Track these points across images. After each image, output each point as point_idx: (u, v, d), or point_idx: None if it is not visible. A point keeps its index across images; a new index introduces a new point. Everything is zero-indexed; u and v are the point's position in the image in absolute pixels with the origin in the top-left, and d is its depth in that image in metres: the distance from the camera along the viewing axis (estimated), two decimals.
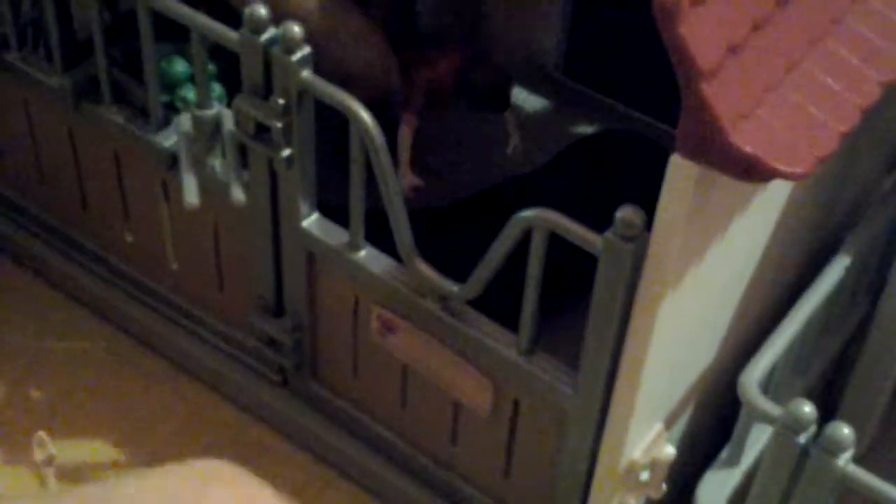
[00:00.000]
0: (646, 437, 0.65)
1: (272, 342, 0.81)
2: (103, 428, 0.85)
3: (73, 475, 0.82)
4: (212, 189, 0.75)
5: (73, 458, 0.83)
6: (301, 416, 0.84)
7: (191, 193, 0.74)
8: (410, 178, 0.88)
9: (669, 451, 0.66)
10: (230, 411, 0.87)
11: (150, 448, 0.84)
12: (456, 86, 0.89)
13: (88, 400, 0.87)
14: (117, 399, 0.87)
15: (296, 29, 0.65)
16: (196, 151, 0.74)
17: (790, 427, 0.58)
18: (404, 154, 0.88)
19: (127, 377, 0.89)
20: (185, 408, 0.87)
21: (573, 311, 0.71)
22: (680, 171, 0.50)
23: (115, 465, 0.84)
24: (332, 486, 0.83)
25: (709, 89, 0.46)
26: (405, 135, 0.88)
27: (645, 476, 0.66)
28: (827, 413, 0.80)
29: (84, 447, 0.84)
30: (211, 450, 0.84)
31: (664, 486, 0.67)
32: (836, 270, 0.71)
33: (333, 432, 0.83)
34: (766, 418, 0.62)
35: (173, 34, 0.75)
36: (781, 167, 0.48)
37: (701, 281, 0.59)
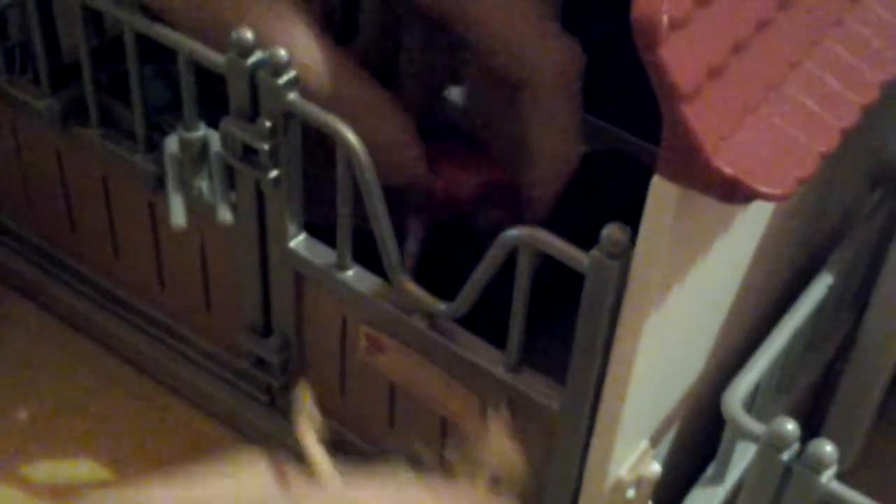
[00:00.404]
0: (631, 455, 0.66)
1: (260, 362, 0.82)
2: (90, 448, 0.85)
3: (59, 495, 0.82)
4: (199, 210, 0.75)
5: (58, 479, 0.83)
6: (288, 435, 0.84)
7: (178, 215, 0.74)
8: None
9: (655, 468, 0.66)
10: (218, 431, 0.87)
11: (137, 468, 0.84)
12: (473, 203, 0.78)
13: (74, 420, 0.87)
14: (104, 420, 0.87)
15: (282, 52, 0.66)
16: (183, 173, 0.74)
17: (773, 445, 0.58)
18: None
19: (114, 398, 0.89)
20: (172, 428, 0.87)
21: (559, 327, 0.71)
22: (662, 192, 0.51)
23: (101, 485, 0.83)
24: None
25: (689, 111, 0.47)
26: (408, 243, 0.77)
27: (631, 493, 0.66)
28: (812, 431, 0.80)
29: (70, 467, 0.84)
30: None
31: None
32: (819, 288, 0.72)
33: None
34: (750, 436, 0.62)
35: (161, 56, 0.75)
36: (762, 188, 0.48)
37: (685, 300, 0.59)
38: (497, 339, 0.70)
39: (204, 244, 0.79)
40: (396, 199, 0.71)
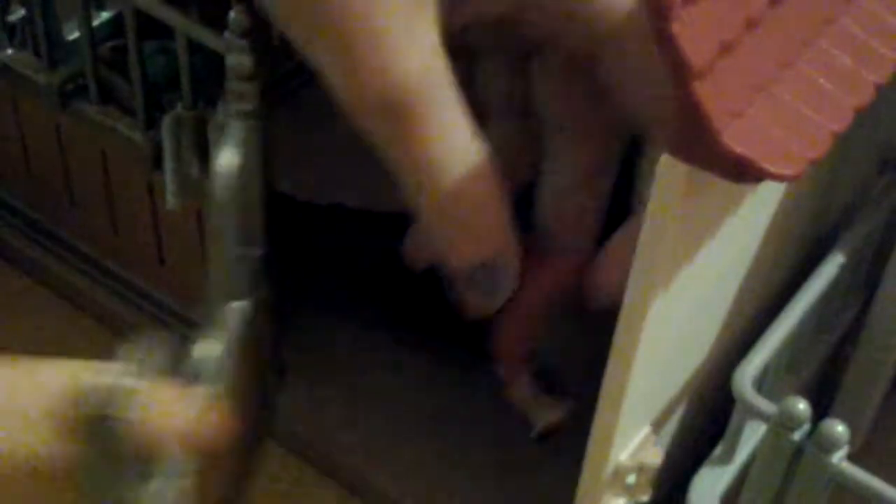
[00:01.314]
0: (633, 441, 0.65)
1: None
2: None
3: None
4: (195, 189, 0.74)
5: None
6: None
7: (171, 194, 0.73)
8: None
9: (657, 454, 0.65)
10: None
11: None
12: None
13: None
14: None
15: None
16: (180, 152, 0.73)
17: (784, 425, 0.58)
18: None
19: None
20: None
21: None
22: (670, 171, 0.50)
23: None
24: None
25: (700, 88, 0.46)
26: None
27: (632, 480, 0.65)
28: (821, 411, 0.79)
29: None
30: None
31: (651, 490, 0.66)
32: (830, 268, 0.71)
33: None
34: (761, 416, 0.61)
35: (165, 33, 0.74)
36: (772, 168, 0.47)
37: (692, 281, 0.58)
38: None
39: (202, 222, 0.79)
40: None
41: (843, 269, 0.72)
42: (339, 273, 0.92)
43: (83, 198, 0.86)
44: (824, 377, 0.83)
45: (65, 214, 0.88)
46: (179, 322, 0.86)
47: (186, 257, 0.82)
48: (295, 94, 0.99)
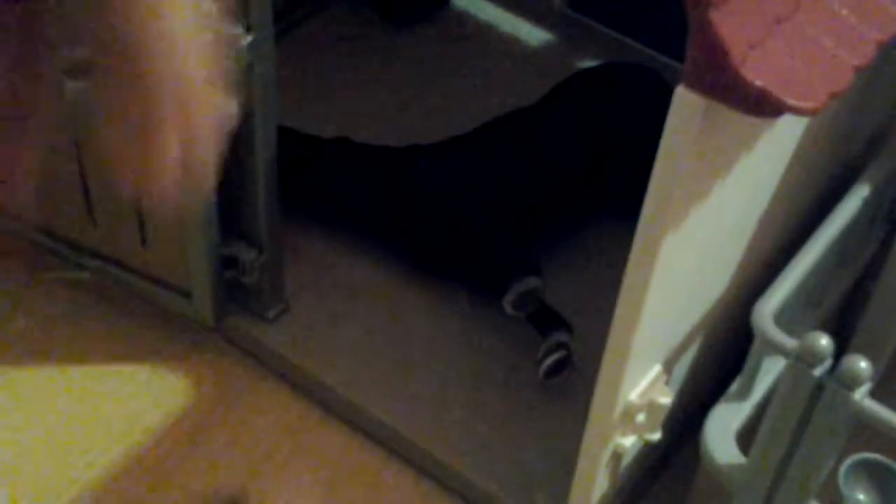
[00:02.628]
0: (643, 380, 0.65)
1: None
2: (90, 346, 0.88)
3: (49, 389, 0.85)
4: None
5: (55, 377, 0.86)
6: None
7: None
8: None
9: (667, 393, 0.65)
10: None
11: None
12: None
13: (79, 326, 0.89)
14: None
15: None
16: None
17: (805, 360, 0.57)
18: None
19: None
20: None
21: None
22: (685, 104, 0.49)
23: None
24: None
25: (718, 16, 0.45)
26: None
27: (641, 418, 0.65)
28: (838, 348, 0.79)
29: (73, 364, 0.87)
30: None
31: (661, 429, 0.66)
32: (853, 201, 0.70)
33: None
34: (781, 351, 0.61)
35: None
36: (793, 102, 0.46)
37: (707, 219, 0.58)
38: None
39: None
40: None
41: (867, 202, 0.71)
42: (345, 207, 0.91)
43: None
44: (842, 313, 0.82)
45: None
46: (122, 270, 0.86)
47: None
48: (300, 25, 0.98)
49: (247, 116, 0.74)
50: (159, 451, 0.82)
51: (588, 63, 0.97)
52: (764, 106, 0.46)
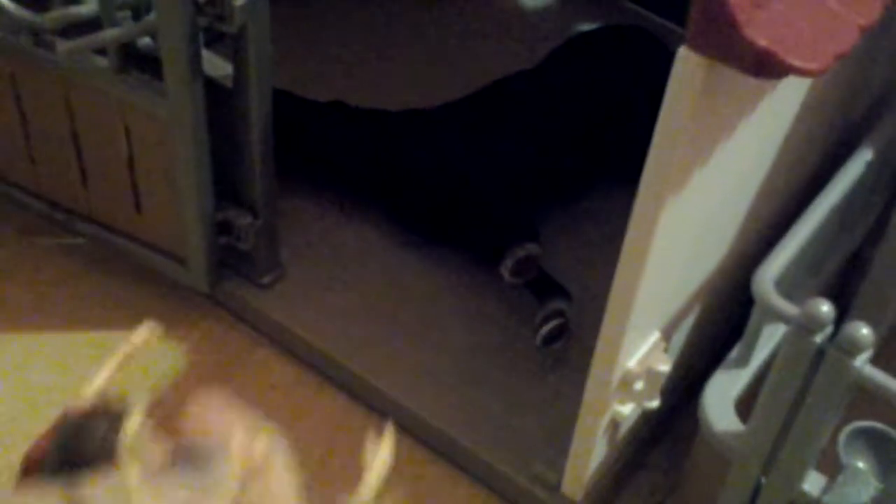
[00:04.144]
0: (642, 347, 0.64)
1: None
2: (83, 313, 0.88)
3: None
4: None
5: (46, 343, 0.86)
6: None
7: None
8: None
9: (666, 360, 0.65)
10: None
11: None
12: None
13: (73, 291, 0.89)
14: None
15: None
16: None
17: (806, 326, 0.57)
18: None
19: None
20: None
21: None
22: (687, 65, 0.48)
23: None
24: None
25: None
26: None
27: (640, 386, 0.65)
28: (838, 313, 0.78)
29: (65, 330, 0.87)
30: None
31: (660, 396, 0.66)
32: (855, 167, 0.69)
33: None
34: (782, 317, 0.60)
35: None
36: (797, 63, 0.46)
37: (708, 183, 0.57)
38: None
39: None
40: None
41: (869, 167, 0.70)
42: (340, 172, 0.91)
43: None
44: (842, 280, 0.81)
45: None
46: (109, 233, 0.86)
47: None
48: None
49: (241, 79, 0.73)
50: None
51: (587, 26, 0.96)
52: (768, 67, 0.46)
